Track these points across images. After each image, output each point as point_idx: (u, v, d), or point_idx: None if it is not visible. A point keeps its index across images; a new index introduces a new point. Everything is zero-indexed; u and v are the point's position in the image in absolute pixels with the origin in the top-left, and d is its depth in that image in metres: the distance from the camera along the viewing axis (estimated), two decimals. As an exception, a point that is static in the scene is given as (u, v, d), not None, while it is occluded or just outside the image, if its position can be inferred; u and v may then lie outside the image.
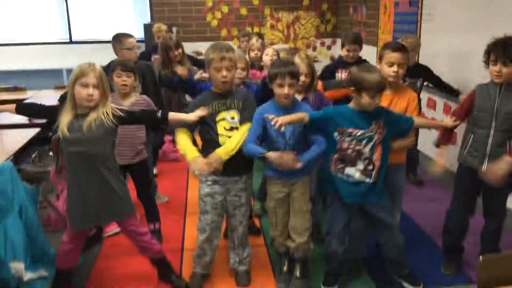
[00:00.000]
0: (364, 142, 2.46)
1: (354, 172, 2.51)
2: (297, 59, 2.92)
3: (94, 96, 2.42)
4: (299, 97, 2.86)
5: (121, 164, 3.05)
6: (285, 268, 2.87)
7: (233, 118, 2.62)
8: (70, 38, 7.79)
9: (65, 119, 2.44)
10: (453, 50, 4.40)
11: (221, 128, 2.61)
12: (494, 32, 2.60)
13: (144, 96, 3.25)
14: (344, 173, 2.52)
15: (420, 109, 3.48)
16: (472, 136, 2.71)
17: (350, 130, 2.47)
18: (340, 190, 2.56)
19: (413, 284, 2.76)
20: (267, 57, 3.99)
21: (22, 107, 2.72)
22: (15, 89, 5.53)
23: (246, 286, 2.82)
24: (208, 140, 2.66)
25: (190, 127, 2.69)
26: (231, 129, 2.62)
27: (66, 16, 7.72)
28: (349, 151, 2.49)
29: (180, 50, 4.19)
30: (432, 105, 4.80)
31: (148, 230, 3.00)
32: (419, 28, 5.08)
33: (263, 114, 2.57)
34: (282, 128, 2.41)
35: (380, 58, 2.73)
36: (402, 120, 2.57)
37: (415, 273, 2.82)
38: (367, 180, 2.51)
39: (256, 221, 3.62)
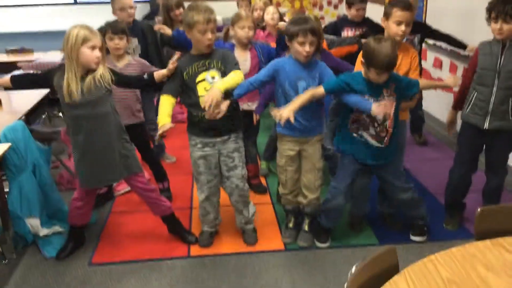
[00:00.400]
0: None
1: (366, 135, 2.60)
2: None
3: (100, 57, 2.48)
4: None
5: None
6: (291, 224, 2.97)
7: (213, 77, 2.56)
8: (75, -1, 7.75)
9: (74, 85, 2.45)
10: (460, 8, 4.35)
11: (201, 89, 2.56)
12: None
13: (138, 58, 3.25)
14: (358, 133, 2.61)
15: (421, 66, 3.48)
16: (475, 94, 2.74)
17: (362, 96, 2.51)
18: (353, 148, 2.64)
19: (417, 234, 2.91)
20: (268, 16, 3.99)
21: (17, 80, 2.74)
22: (22, 50, 5.54)
23: (253, 244, 2.90)
24: (190, 104, 2.63)
25: (173, 92, 2.60)
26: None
27: (70, -24, 7.65)
28: (363, 115, 2.56)
29: (181, 9, 4.15)
30: (438, 64, 4.77)
31: (157, 188, 3.08)
32: (427, -14, 4.99)
33: (278, 66, 2.59)
34: (292, 119, 2.40)
35: (386, 15, 2.69)
36: (410, 84, 2.59)
37: (423, 226, 2.91)
38: (379, 145, 2.59)
39: (263, 180, 3.70)
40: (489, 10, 2.59)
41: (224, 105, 2.48)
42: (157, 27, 3.52)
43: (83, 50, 2.44)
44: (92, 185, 2.73)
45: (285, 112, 2.42)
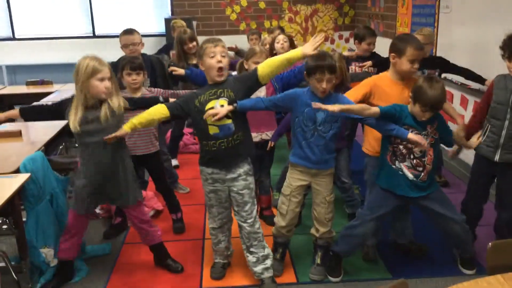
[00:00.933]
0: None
1: (402, 166, 2.63)
2: None
3: (110, 88, 2.58)
4: None
5: (136, 155, 3.22)
6: (278, 255, 2.93)
7: (222, 105, 2.57)
8: (94, 32, 7.98)
9: (75, 115, 2.56)
10: (472, 41, 4.40)
11: (209, 117, 2.57)
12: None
13: (153, 89, 3.36)
14: (396, 165, 2.64)
15: None
16: (489, 126, 2.80)
17: (405, 127, 2.56)
18: (393, 181, 2.65)
19: (467, 268, 2.86)
20: (278, 44, 4.10)
21: (25, 111, 2.83)
22: (42, 82, 5.71)
23: None
24: (199, 130, 2.67)
25: (171, 106, 2.63)
26: (220, 118, 2.57)
27: (90, 11, 7.90)
28: (401, 146, 2.60)
29: (194, 43, 4.27)
30: (449, 98, 4.81)
31: (150, 218, 3.06)
32: (437, 20, 5.09)
33: (296, 96, 2.64)
34: (336, 108, 2.40)
35: (398, 52, 2.72)
36: (448, 130, 2.68)
37: (472, 258, 2.89)
38: (414, 179, 2.62)
39: (275, 212, 3.71)
40: (502, 48, 2.66)
41: (225, 109, 2.53)
42: (170, 68, 3.63)
43: (92, 82, 2.54)
44: (89, 210, 2.77)
45: (336, 106, 2.42)
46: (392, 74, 2.81)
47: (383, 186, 2.70)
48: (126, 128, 2.58)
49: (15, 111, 2.85)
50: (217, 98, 2.59)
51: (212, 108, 2.57)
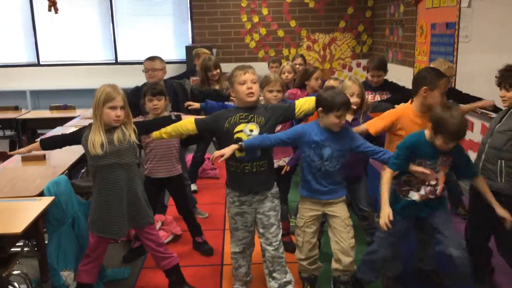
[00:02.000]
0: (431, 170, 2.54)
1: (416, 196, 2.62)
2: (348, 82, 3.05)
3: (121, 117, 2.65)
4: (349, 117, 2.95)
5: (159, 177, 3.28)
6: None
7: (251, 130, 2.63)
8: (116, 59, 8.19)
9: (96, 139, 2.64)
10: (491, 71, 4.37)
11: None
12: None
13: (175, 113, 3.42)
14: (408, 195, 2.63)
15: None
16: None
17: (418, 158, 2.55)
18: (404, 209, 2.66)
19: None
20: (284, 75, 4.18)
21: (45, 143, 2.91)
22: (66, 107, 5.85)
23: None
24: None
25: (200, 121, 2.73)
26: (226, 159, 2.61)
27: (113, 38, 8.13)
28: (417, 174, 2.58)
29: (218, 70, 4.38)
30: (469, 127, 4.80)
31: (165, 243, 3.07)
32: (456, 49, 5.11)
33: (304, 131, 2.63)
34: (391, 217, 2.45)
35: (432, 84, 2.73)
36: (469, 167, 2.62)
37: None
38: (419, 199, 2.63)
39: (294, 238, 3.70)
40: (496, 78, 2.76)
41: (230, 148, 2.57)
42: (186, 104, 3.71)
43: (104, 109, 2.63)
44: (110, 234, 2.79)
45: (384, 217, 2.45)
46: (418, 106, 2.82)
47: (397, 212, 2.66)
48: (153, 136, 2.81)
49: (36, 144, 2.93)
50: (248, 122, 2.65)
51: (241, 131, 2.63)
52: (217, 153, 2.59)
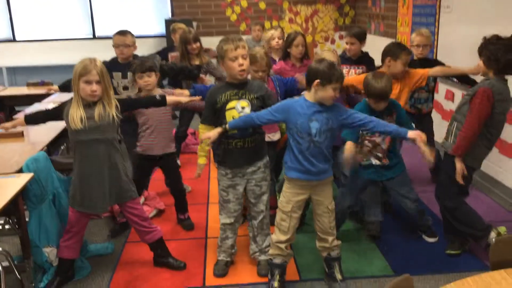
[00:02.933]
0: (377, 133, 2.93)
1: (373, 159, 3.03)
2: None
3: (97, 92, 2.59)
4: None
5: (153, 154, 3.28)
6: (276, 283, 2.70)
7: (243, 107, 2.65)
8: (94, 34, 7.99)
9: (76, 113, 2.60)
10: (473, 41, 4.39)
11: (229, 117, 2.66)
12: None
13: (167, 89, 3.38)
14: (364, 161, 3.03)
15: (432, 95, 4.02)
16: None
17: None
18: (360, 172, 3.08)
19: (430, 236, 3.26)
20: (274, 41, 4.13)
21: (30, 118, 2.88)
22: (43, 83, 5.71)
23: (266, 276, 2.84)
24: (218, 127, 2.70)
25: (210, 121, 2.76)
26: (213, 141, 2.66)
27: (90, 13, 7.91)
28: (366, 141, 2.99)
29: (198, 44, 4.30)
30: (450, 96, 4.83)
31: (148, 216, 3.12)
32: (437, 20, 5.10)
33: (289, 107, 2.54)
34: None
35: (394, 56, 3.27)
36: (407, 120, 3.08)
37: (432, 227, 3.29)
38: (379, 163, 3.04)
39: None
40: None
41: (216, 131, 2.61)
42: (176, 91, 3.62)
43: (80, 83, 2.58)
44: (90, 210, 2.77)
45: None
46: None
47: (361, 175, 3.12)
48: (202, 161, 2.84)
49: (20, 120, 2.89)
50: (239, 99, 2.66)
51: (233, 108, 2.65)
52: (204, 136, 2.62)
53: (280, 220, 2.67)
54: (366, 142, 3.02)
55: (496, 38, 2.78)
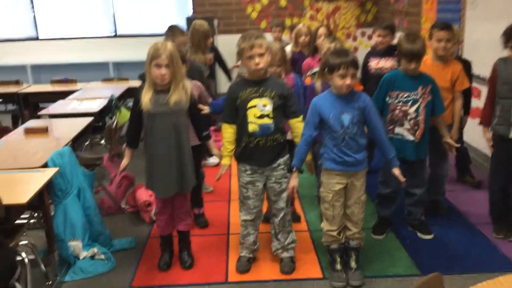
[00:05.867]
0: (409, 103, 2.95)
1: (402, 130, 3.00)
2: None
3: (166, 75, 2.61)
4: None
5: None
6: (338, 266, 2.78)
7: (265, 105, 2.64)
8: (116, 32, 8.06)
9: (146, 96, 2.64)
10: (498, 38, 4.32)
11: (251, 115, 2.65)
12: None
13: (195, 81, 3.33)
14: (395, 132, 3.02)
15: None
16: (498, 107, 2.97)
17: (397, 92, 2.95)
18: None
19: (423, 233, 3.22)
20: (301, 38, 4.14)
21: (130, 143, 2.85)
22: (67, 80, 5.79)
23: (289, 273, 2.85)
24: (238, 126, 2.73)
25: (232, 119, 2.74)
26: (261, 116, 2.65)
27: (112, 11, 7.99)
28: (397, 111, 2.98)
29: (210, 40, 4.36)
30: (477, 94, 4.73)
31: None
32: (462, 16, 5.00)
33: (318, 105, 2.60)
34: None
35: (429, 36, 3.28)
36: (438, 102, 3.01)
37: (427, 224, 3.27)
38: (412, 138, 2.99)
39: (298, 208, 3.70)
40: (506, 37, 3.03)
41: (294, 180, 2.73)
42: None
43: (152, 66, 2.61)
44: (169, 194, 2.79)
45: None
46: (433, 56, 3.25)
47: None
48: (226, 161, 2.80)
49: (127, 152, 2.86)
50: (260, 97, 2.65)
51: (254, 106, 2.64)
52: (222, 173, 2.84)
53: (324, 210, 2.75)
54: (397, 111, 2.98)
55: None
